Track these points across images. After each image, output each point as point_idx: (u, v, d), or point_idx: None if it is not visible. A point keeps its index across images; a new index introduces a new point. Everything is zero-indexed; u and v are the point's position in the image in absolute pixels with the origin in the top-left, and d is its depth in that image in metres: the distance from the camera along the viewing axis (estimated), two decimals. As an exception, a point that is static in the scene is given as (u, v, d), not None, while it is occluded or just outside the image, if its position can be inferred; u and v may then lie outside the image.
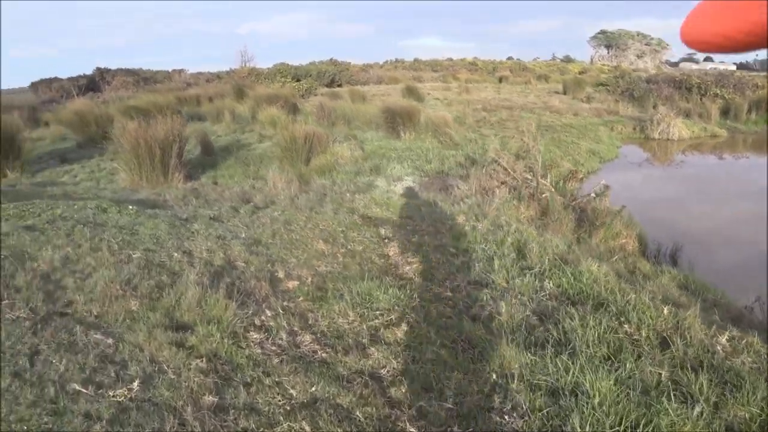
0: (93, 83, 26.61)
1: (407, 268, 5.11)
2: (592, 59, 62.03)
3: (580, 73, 41.86)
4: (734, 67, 54.62)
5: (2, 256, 3.93)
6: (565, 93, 26.65)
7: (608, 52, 62.26)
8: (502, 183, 9.22)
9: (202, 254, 4.67)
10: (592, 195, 9.12)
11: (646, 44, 60.78)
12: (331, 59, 35.10)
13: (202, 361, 3.06)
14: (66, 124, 14.60)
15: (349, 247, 5.55)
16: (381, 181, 9.70)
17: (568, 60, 60.71)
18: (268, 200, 7.37)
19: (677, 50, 62.47)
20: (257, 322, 3.65)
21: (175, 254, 4.57)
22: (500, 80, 34.21)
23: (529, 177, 9.52)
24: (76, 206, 5.67)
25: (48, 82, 27.10)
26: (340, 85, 29.86)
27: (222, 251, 4.80)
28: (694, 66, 58.63)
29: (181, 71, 32.62)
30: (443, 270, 5.06)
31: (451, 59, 48.38)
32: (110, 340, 3.12)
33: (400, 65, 45.82)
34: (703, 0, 0.56)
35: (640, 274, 6.17)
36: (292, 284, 4.40)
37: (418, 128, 14.43)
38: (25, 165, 10.84)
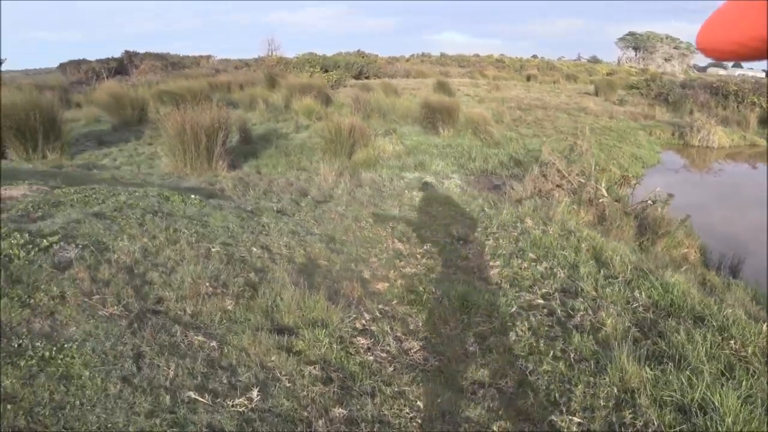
0: (121, 66, 26.50)
1: (492, 272, 4.89)
2: (619, 61, 61.26)
3: (607, 74, 41.31)
4: (763, 74, 53.75)
5: (81, 245, 3.73)
6: (596, 94, 26.24)
7: (636, 54, 61.45)
8: (557, 186, 8.95)
9: (281, 250, 4.47)
10: (649, 201, 8.84)
11: (674, 48, 59.94)
12: (358, 51, 34.82)
13: (315, 368, 2.86)
14: (102, 107, 14.44)
15: (425, 247, 5.33)
16: (430, 177, 9.48)
17: (595, 61, 60.04)
18: (326, 194, 7.16)
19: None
20: (358, 325, 3.44)
21: (254, 249, 4.37)
22: (528, 78, 33.78)
23: (583, 181, 9.24)
24: (137, 193, 5.48)
25: (77, 64, 27.02)
26: (367, 77, 29.61)
27: (301, 248, 4.60)
28: (722, 71, 57.84)
29: (208, 57, 32.46)
30: (528, 276, 4.83)
31: (477, 55, 47.95)
32: (214, 343, 2.92)
33: (427, 59, 45.47)
34: (717, 9, 0.54)
35: (710, 285, 5.93)
36: (381, 286, 4.19)
37: (456, 125, 14.16)
38: (64, 146, 10.65)
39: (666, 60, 59.59)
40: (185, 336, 2.92)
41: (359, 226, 5.62)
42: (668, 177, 13.25)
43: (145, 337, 2.82)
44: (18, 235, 3.62)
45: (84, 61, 27.54)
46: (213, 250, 4.14)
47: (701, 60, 61.66)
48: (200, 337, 2.94)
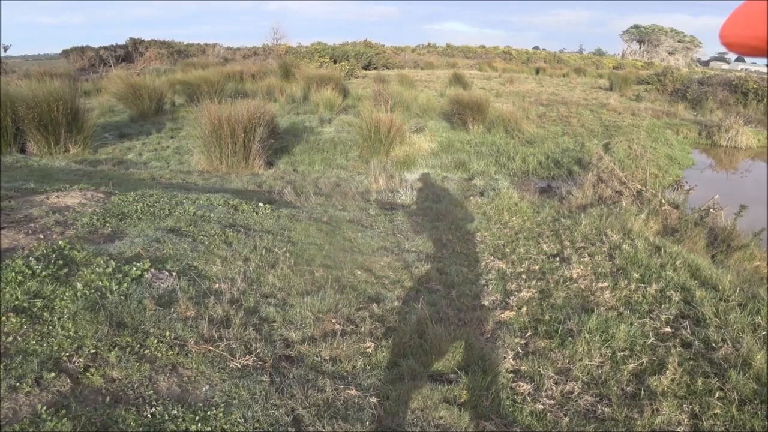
0: (126, 53, 25.78)
1: (605, 295, 4.44)
2: (623, 54, 60.78)
3: (614, 67, 40.92)
4: (765, 69, 53.64)
5: (173, 272, 3.26)
6: (611, 89, 25.80)
7: (640, 47, 60.98)
8: (617, 192, 8.52)
9: (385, 273, 4.02)
10: (711, 210, 8.41)
11: (678, 41, 59.51)
12: (365, 41, 34.16)
13: (491, 423, 2.41)
14: (118, 97, 13.84)
15: (524, 265, 4.88)
16: (479, 180, 9.02)
17: (600, 53, 59.58)
18: (386, 199, 6.69)
19: (708, 48, 61.29)
20: (507, 365, 3.00)
21: (358, 272, 3.93)
22: (537, 71, 33.29)
23: (641, 187, 8.82)
24: (201, 201, 5.00)
25: (80, 50, 26.24)
26: (376, 68, 29.06)
27: (406, 271, 4.15)
28: (725, 66, 57.69)
29: (214, 45, 31.72)
30: (640, 299, 4.40)
31: (483, 47, 47.26)
32: (372, 399, 2.47)
33: (433, 50, 44.80)
34: (742, 3, 0.53)
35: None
36: (506, 315, 3.75)
37: (485, 122, 13.69)
38: (86, 140, 10.12)
39: (670, 53, 59.21)
40: (336, 391, 2.48)
41: (448, 240, 5.17)
42: (709, 180, 12.84)
43: (296, 396, 2.36)
44: (101, 261, 3.15)
45: (88, 48, 26.75)
46: (317, 274, 3.69)
47: (704, 54, 61.39)
48: (353, 391, 2.49)
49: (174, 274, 3.22)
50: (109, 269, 3.05)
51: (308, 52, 26.49)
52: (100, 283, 2.90)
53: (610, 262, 5.19)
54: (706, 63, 61.23)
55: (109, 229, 3.86)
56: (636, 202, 8.24)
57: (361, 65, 26.76)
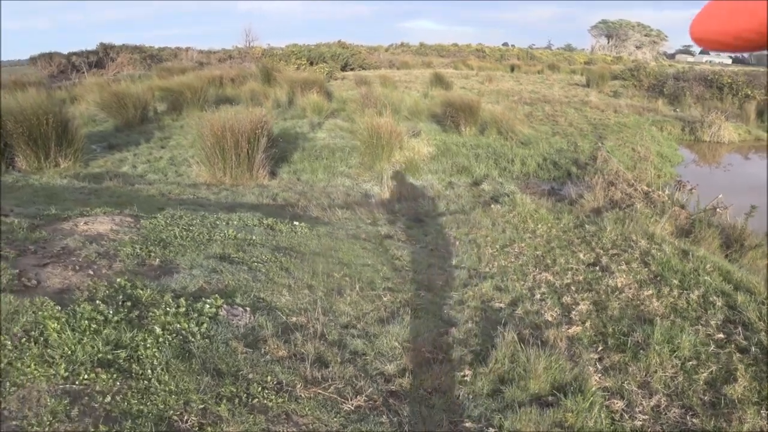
0: (98, 59, 25.10)
1: (653, 303, 4.40)
2: (593, 48, 61.54)
3: (585, 63, 41.39)
4: (730, 61, 54.84)
5: (245, 306, 3.08)
6: (588, 86, 26.03)
7: (608, 42, 61.81)
8: (627, 195, 8.52)
9: (446, 292, 3.92)
10: (718, 210, 8.46)
11: (645, 35, 60.45)
12: (339, 41, 33.89)
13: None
14: (101, 106, 13.42)
15: (569, 276, 4.82)
16: (486, 185, 8.94)
17: (569, 49, 60.23)
18: (411, 210, 6.55)
19: (674, 42, 62.48)
20: (594, 383, 2.93)
21: (421, 293, 3.79)
22: (512, 69, 33.43)
23: (648, 189, 8.86)
24: (235, 221, 4.80)
25: (48, 57, 25.46)
26: (352, 69, 28.86)
27: (465, 289, 4.04)
28: (690, 58, 58.81)
29: (187, 49, 31.11)
30: (685, 305, 4.37)
31: (456, 45, 47.33)
32: (491, 430, 2.33)
33: (406, 49, 44.67)
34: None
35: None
36: (573, 330, 3.67)
37: (477, 123, 13.63)
38: (77, 153, 9.76)
39: (637, 47, 60.15)
40: (453, 424, 2.36)
41: (490, 253, 5.06)
42: (700, 175, 12.98)
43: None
44: (170, 300, 2.96)
45: (56, 54, 25.97)
46: (384, 299, 3.56)
47: (669, 47, 62.55)
48: (468, 423, 2.38)
49: (248, 309, 3.04)
50: (182, 308, 2.86)
51: (284, 55, 26.17)
52: (178, 325, 2.71)
53: (646, 269, 5.17)
54: (671, 56, 62.43)
55: (157, 260, 3.64)
56: (648, 204, 8.24)
57: (338, 66, 26.51)
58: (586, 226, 6.45)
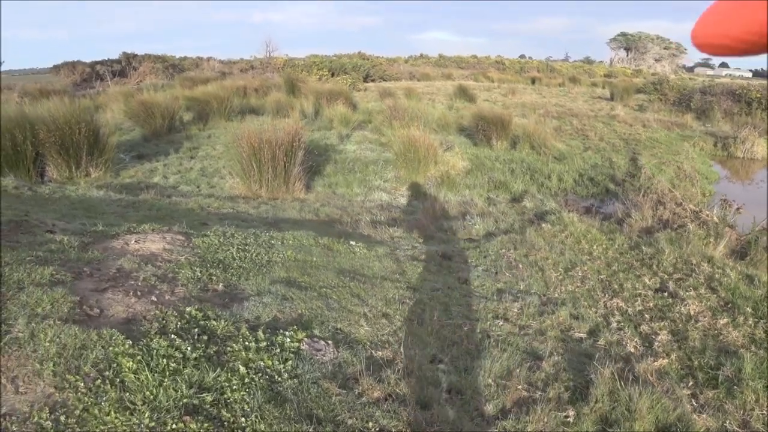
0: (120, 68, 25.12)
1: (733, 334, 4.12)
2: (611, 61, 61.13)
3: (605, 75, 41.05)
4: (750, 75, 54.31)
5: (324, 339, 2.82)
6: (612, 99, 25.69)
7: (627, 55, 61.39)
8: (676, 215, 8.20)
9: (522, 320, 3.69)
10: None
11: (664, 48, 59.98)
12: (359, 52, 33.80)
13: None
14: (129, 115, 13.29)
15: (639, 303, 4.58)
16: (528, 202, 8.66)
17: (588, 62, 59.83)
18: (463, 229, 6.28)
19: (693, 55, 62.01)
20: (701, 424, 2.65)
21: (499, 322, 3.55)
22: (533, 81, 33.16)
23: (696, 208, 8.54)
24: (290, 241, 4.55)
25: (71, 65, 25.49)
26: (373, 80, 28.72)
27: (541, 317, 3.80)
28: (710, 71, 58.31)
29: (209, 59, 31.11)
30: (763, 336, 4.09)
31: (475, 56, 47.07)
32: None
33: (425, 60, 44.53)
34: (712, 3, 0.53)
35: None
36: (660, 363, 3.42)
37: (509, 137, 13.35)
38: (108, 163, 9.59)
39: (656, 60, 59.69)
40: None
41: (557, 279, 4.81)
42: (739, 192, 12.61)
43: None
44: (246, 332, 2.70)
45: (79, 63, 26.02)
46: (465, 329, 3.29)
47: (689, 60, 62.06)
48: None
49: (330, 343, 2.78)
50: (262, 342, 2.60)
51: (306, 66, 26.06)
52: (262, 363, 2.45)
53: (715, 296, 4.93)
54: (691, 69, 61.94)
55: (220, 284, 3.39)
56: (700, 225, 7.92)
57: (360, 78, 26.37)
58: (643, 248, 6.17)
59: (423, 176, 9.74)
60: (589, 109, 21.95)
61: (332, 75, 25.92)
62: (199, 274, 3.50)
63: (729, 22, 0.50)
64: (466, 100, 21.95)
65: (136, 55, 26.08)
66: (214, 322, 2.74)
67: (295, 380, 2.40)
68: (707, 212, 8.36)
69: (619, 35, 61.92)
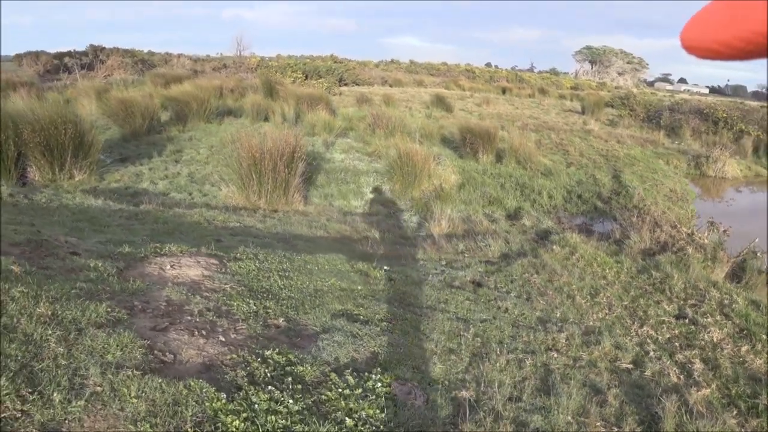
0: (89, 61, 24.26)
1: (757, 361, 4.19)
2: (576, 73, 62.35)
3: (572, 88, 41.78)
4: (707, 90, 56.07)
5: (411, 381, 2.69)
6: (583, 113, 26.11)
7: (592, 68, 62.72)
8: (672, 237, 8.32)
9: (571, 350, 3.73)
10: (758, 253, 8.33)
11: (627, 62, 61.53)
12: (332, 56, 33.51)
13: None
14: (108, 114, 12.81)
15: (665, 330, 4.63)
16: (526, 220, 8.66)
17: (555, 73, 60.83)
18: (476, 249, 6.21)
19: (654, 70, 63.73)
20: None
21: (553, 354, 3.52)
22: (503, 91, 33.46)
23: (688, 230, 8.70)
24: (324, 265, 4.40)
25: (34, 55, 24.50)
26: (346, 84, 28.54)
27: (591, 348, 3.80)
28: (669, 86, 59.97)
29: (179, 56, 30.33)
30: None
31: (445, 64, 47.24)
32: None
33: (396, 66, 44.47)
34: (704, 6, 0.53)
35: None
36: (703, 392, 3.46)
37: (494, 151, 13.38)
38: (92, 165, 9.21)
39: (619, 74, 61.16)
40: None
41: (587, 306, 4.81)
42: (724, 213, 12.90)
43: None
44: (336, 379, 2.55)
45: (43, 53, 25.02)
46: (528, 362, 3.23)
47: (649, 75, 63.82)
48: None
49: (416, 384, 2.66)
50: (357, 390, 2.46)
51: (280, 67, 25.68)
52: (363, 412, 2.31)
53: (730, 322, 5.03)
54: (651, 83, 63.64)
55: (280, 319, 3.22)
56: (698, 248, 8.05)
57: (335, 82, 26.16)
58: (652, 272, 6.25)
59: (418, 190, 9.65)
60: (564, 122, 22.25)
61: (306, 78, 25.63)
62: (254, 307, 3.32)
63: (721, 27, 0.50)
64: (443, 109, 21.98)
65: (104, 48, 25.25)
66: (300, 368, 2.58)
67: (401, 429, 2.26)
68: (699, 235, 8.51)
69: (584, 48, 63.28)
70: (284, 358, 2.63)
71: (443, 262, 5.56)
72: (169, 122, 14.44)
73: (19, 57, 25.02)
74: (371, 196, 9.42)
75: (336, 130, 14.89)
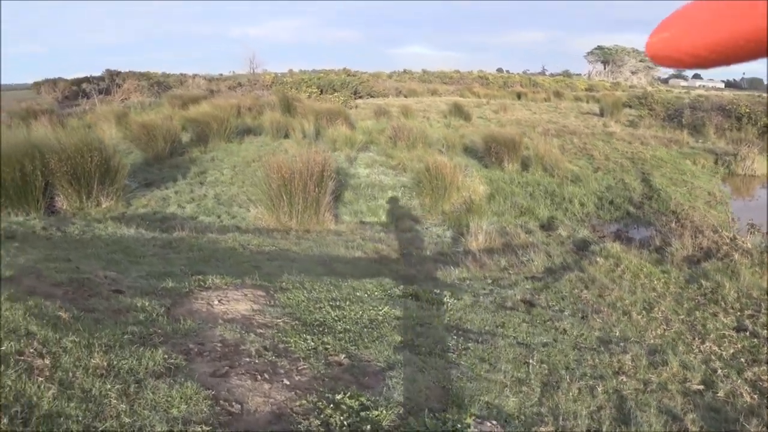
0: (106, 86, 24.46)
1: None
2: (589, 74, 61.92)
3: (586, 89, 41.44)
4: (722, 85, 55.34)
5: (491, 422, 2.51)
6: (602, 114, 25.79)
7: (605, 68, 62.28)
8: (714, 243, 8.06)
9: (641, 375, 3.68)
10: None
11: (640, 61, 60.98)
12: (344, 68, 33.53)
13: None
14: (130, 138, 12.80)
15: (727, 345, 4.48)
16: (562, 230, 8.44)
17: (568, 75, 60.44)
18: (517, 264, 6.01)
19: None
20: None
21: (622, 378, 3.38)
22: (518, 96, 33.24)
23: (729, 235, 8.44)
24: (372, 291, 4.22)
25: (52, 83, 24.77)
26: (361, 97, 28.49)
27: (660, 370, 3.65)
28: (683, 83, 59.36)
29: (194, 76, 30.50)
30: None
31: (458, 71, 47.08)
32: None
33: (409, 76, 44.40)
34: (669, 15, 0.52)
35: None
36: None
37: (519, 159, 13.16)
38: (119, 192, 9.15)
39: (633, 73, 60.62)
40: None
41: (644, 322, 4.61)
42: (753, 212, 12.57)
43: None
44: (414, 422, 2.37)
45: (60, 80, 25.28)
46: (599, 389, 3.04)
47: (664, 72, 63.21)
48: None
49: (495, 423, 2.48)
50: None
51: (295, 83, 25.70)
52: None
53: None
54: (665, 81, 63.03)
55: (342, 355, 3.06)
56: (745, 254, 7.78)
57: (350, 95, 26.11)
58: (701, 281, 5.99)
59: (449, 203, 9.47)
60: (584, 125, 21.98)
61: (321, 92, 25.60)
62: (311, 343, 3.16)
63: (687, 35, 0.48)
64: (461, 118, 21.81)
65: (120, 72, 25.44)
66: (375, 412, 2.41)
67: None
68: (742, 239, 8.25)
69: (596, 49, 62.86)
70: (357, 402, 2.46)
71: (489, 281, 5.37)
72: (190, 143, 14.41)
73: (37, 85, 25.29)
74: (401, 211, 9.26)
75: (357, 144, 14.77)
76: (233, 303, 3.74)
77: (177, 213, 8.78)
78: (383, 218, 8.75)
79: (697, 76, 63.22)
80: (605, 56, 62.75)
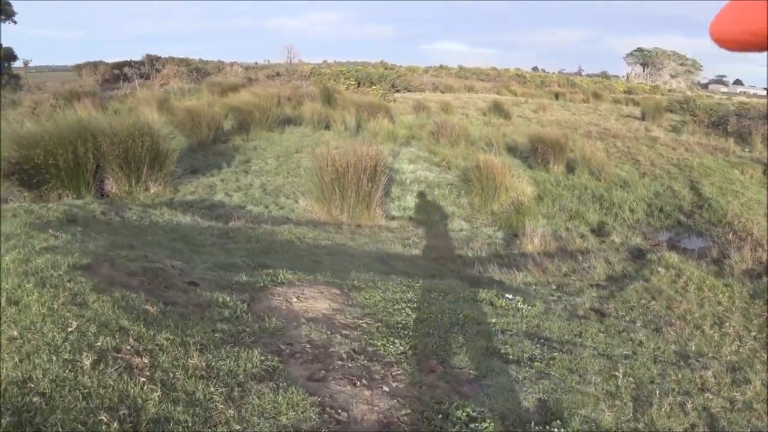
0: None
1: None
2: (628, 76, 60.92)
3: (625, 91, 40.76)
4: (764, 92, 54.00)
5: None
6: (643, 118, 25.28)
7: (644, 70, 61.23)
8: (777, 254, 7.80)
9: (726, 392, 3.64)
10: None
11: (680, 64, 59.82)
12: (381, 62, 33.38)
13: None
14: (174, 124, 12.83)
15: None
16: (616, 236, 8.24)
17: (606, 76, 59.55)
18: (578, 270, 5.86)
19: (707, 72, 61.79)
20: None
21: (708, 395, 3.26)
22: (556, 96, 32.78)
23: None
24: (449, 295, 4.12)
25: (93, 66, 25.05)
26: (398, 91, 28.33)
27: (744, 388, 3.62)
28: (724, 89, 58.10)
29: (232, 64, 30.63)
30: None
31: (495, 69, 46.63)
32: None
33: (446, 71, 44.07)
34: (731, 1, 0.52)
35: None
36: None
37: (564, 161, 12.92)
38: (167, 178, 9.15)
39: (672, 76, 59.48)
40: None
41: (717, 338, 4.48)
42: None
43: None
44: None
45: (101, 63, 25.56)
46: (689, 405, 2.95)
47: (703, 77, 61.93)
48: None
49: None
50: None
51: (333, 75, 25.63)
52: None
53: None
54: (705, 86, 61.77)
55: (433, 361, 2.96)
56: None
57: (388, 88, 25.98)
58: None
59: (497, 203, 9.32)
60: (626, 129, 21.57)
61: (358, 85, 25.50)
62: (400, 347, 3.07)
63: (748, 17, 0.48)
64: (500, 116, 21.55)
65: (159, 57, 25.62)
66: (484, 424, 2.31)
67: None
68: (805, 252, 7.99)
69: (635, 50, 61.78)
70: (463, 413, 2.36)
71: (553, 286, 5.24)
72: (232, 131, 14.42)
73: (78, 67, 25.58)
74: (450, 209, 9.14)
75: (399, 138, 14.66)
76: (312, 301, 3.67)
77: (224, 201, 8.77)
78: (432, 216, 8.64)
79: (738, 82, 61.82)
80: (645, 58, 61.64)
